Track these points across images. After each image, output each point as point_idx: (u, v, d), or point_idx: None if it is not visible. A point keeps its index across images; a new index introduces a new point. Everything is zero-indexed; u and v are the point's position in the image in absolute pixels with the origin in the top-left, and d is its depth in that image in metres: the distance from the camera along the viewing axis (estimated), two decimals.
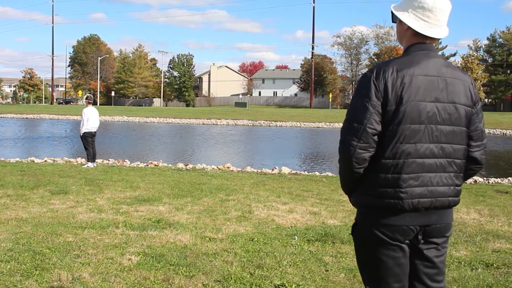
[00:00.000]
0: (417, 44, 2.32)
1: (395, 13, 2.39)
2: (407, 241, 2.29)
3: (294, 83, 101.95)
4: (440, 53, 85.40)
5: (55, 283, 4.07)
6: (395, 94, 2.19)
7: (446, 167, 2.28)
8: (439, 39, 2.36)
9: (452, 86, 2.29)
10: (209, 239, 5.54)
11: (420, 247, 2.32)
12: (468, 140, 2.36)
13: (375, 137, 2.21)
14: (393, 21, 2.48)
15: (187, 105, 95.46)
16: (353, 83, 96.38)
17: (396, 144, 2.21)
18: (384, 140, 2.22)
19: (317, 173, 12.78)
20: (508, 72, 78.58)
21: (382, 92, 2.20)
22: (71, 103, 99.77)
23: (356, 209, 2.42)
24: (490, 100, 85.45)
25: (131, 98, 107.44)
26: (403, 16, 2.34)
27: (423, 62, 2.27)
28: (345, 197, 8.51)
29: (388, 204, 2.23)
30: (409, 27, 2.33)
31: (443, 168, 2.27)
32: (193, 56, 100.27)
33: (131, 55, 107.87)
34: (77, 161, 14.06)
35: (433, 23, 2.30)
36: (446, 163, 2.28)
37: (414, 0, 2.32)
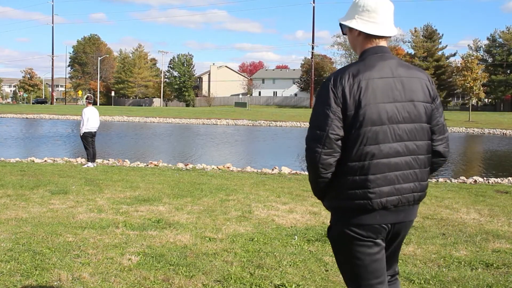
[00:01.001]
0: (370, 48, 2.40)
1: (344, 23, 2.48)
2: (382, 237, 2.39)
3: (294, 83, 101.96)
4: (440, 53, 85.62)
5: (55, 283, 4.07)
6: (353, 99, 2.26)
7: (411, 164, 2.35)
8: (389, 37, 2.42)
9: (409, 85, 2.36)
10: (209, 239, 5.54)
11: (388, 241, 2.46)
12: (431, 134, 2.44)
13: (339, 142, 2.28)
14: (343, 33, 2.56)
15: (187, 105, 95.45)
16: None
17: (360, 147, 2.28)
18: (348, 144, 2.29)
19: None
20: (508, 72, 78.57)
21: (341, 98, 2.27)
22: (45, 103, 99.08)
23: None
24: (490, 100, 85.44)
25: (131, 98, 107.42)
26: (351, 23, 2.43)
27: (378, 65, 2.34)
28: None
29: (358, 205, 2.31)
30: (360, 33, 2.42)
31: (408, 166, 2.35)
32: (192, 56, 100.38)
33: (131, 55, 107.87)
34: (77, 161, 14.06)
35: (380, 22, 2.38)
36: (411, 160, 2.35)
37: (357, 6, 2.42)
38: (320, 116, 2.30)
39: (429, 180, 2.50)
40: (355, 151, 2.28)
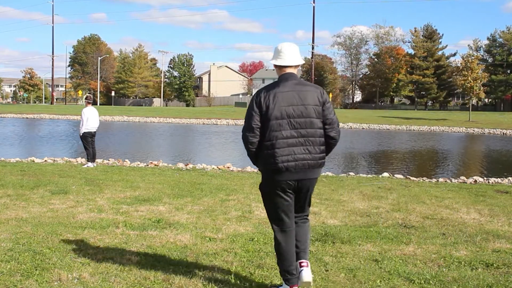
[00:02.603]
0: (282, 74, 3.89)
1: (269, 61, 4.03)
2: (290, 189, 3.80)
3: None
4: (440, 53, 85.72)
5: (55, 283, 4.07)
6: (265, 104, 3.74)
7: (303, 143, 3.76)
8: (296, 66, 3.88)
9: (303, 95, 3.78)
10: (209, 239, 5.54)
11: (298, 194, 3.87)
12: (323, 125, 3.84)
13: (258, 130, 3.76)
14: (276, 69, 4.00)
15: (187, 105, 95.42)
16: (353, 83, 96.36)
17: (270, 132, 3.73)
18: (262, 131, 3.76)
19: None
20: (508, 72, 78.54)
21: (259, 104, 3.77)
22: None
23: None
24: (490, 100, 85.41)
25: (131, 98, 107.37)
26: (272, 61, 3.98)
27: (283, 84, 3.81)
28: (345, 197, 8.52)
29: (271, 168, 3.75)
30: (276, 65, 3.93)
31: (301, 144, 3.75)
32: (192, 56, 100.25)
33: (131, 55, 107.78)
34: (77, 161, 14.06)
35: (286, 58, 3.87)
36: (303, 141, 3.76)
37: (275, 50, 3.97)
38: (248, 114, 3.81)
39: (325, 156, 3.91)
40: (267, 135, 3.74)
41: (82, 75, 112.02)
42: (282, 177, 3.71)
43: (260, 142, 3.75)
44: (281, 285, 3.92)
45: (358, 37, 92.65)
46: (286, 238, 3.84)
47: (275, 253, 3.95)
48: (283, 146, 3.68)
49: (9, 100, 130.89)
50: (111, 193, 8.39)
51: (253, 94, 3.83)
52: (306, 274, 3.80)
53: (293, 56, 3.86)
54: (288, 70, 3.85)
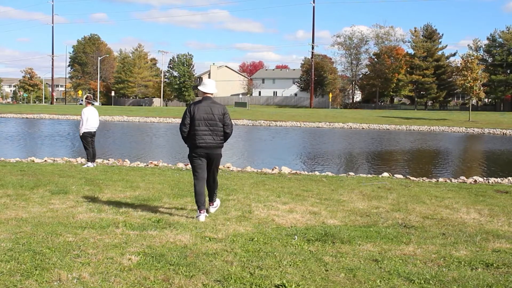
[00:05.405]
0: (204, 96, 6.77)
1: (199, 88, 6.95)
2: (203, 158, 6.69)
3: (294, 83, 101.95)
4: (440, 53, 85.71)
5: (55, 283, 4.07)
6: (192, 111, 6.65)
7: (212, 134, 6.63)
8: (211, 93, 6.81)
9: (213, 109, 6.65)
10: (209, 239, 5.54)
11: (208, 162, 6.74)
12: (223, 126, 6.69)
13: (188, 125, 6.68)
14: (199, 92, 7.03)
15: (187, 105, 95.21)
16: (353, 83, 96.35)
17: (194, 127, 6.61)
18: (190, 126, 6.66)
19: (317, 173, 12.78)
20: (508, 72, 78.51)
21: (189, 111, 6.67)
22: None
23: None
24: (490, 100, 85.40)
25: (131, 98, 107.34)
26: (199, 87, 6.92)
27: (204, 102, 6.71)
28: (345, 197, 8.52)
29: (194, 145, 6.64)
30: (201, 90, 6.86)
31: (209, 134, 6.62)
32: (192, 56, 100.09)
33: (131, 55, 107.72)
34: (77, 161, 14.05)
35: (207, 88, 6.84)
36: (212, 133, 6.63)
37: (202, 81, 6.96)
38: (184, 116, 6.69)
39: (226, 143, 7.02)
40: (192, 128, 6.61)
41: (82, 75, 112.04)
42: (199, 151, 6.60)
43: (188, 132, 6.63)
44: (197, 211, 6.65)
45: (358, 37, 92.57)
46: (199, 184, 6.68)
47: (193, 193, 6.81)
48: (200, 135, 6.57)
49: (9, 100, 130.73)
50: (111, 193, 8.39)
51: (187, 105, 6.26)
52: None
53: (212, 88, 6.81)
54: (208, 95, 6.74)
